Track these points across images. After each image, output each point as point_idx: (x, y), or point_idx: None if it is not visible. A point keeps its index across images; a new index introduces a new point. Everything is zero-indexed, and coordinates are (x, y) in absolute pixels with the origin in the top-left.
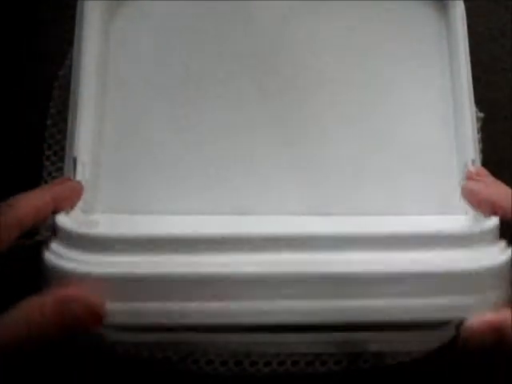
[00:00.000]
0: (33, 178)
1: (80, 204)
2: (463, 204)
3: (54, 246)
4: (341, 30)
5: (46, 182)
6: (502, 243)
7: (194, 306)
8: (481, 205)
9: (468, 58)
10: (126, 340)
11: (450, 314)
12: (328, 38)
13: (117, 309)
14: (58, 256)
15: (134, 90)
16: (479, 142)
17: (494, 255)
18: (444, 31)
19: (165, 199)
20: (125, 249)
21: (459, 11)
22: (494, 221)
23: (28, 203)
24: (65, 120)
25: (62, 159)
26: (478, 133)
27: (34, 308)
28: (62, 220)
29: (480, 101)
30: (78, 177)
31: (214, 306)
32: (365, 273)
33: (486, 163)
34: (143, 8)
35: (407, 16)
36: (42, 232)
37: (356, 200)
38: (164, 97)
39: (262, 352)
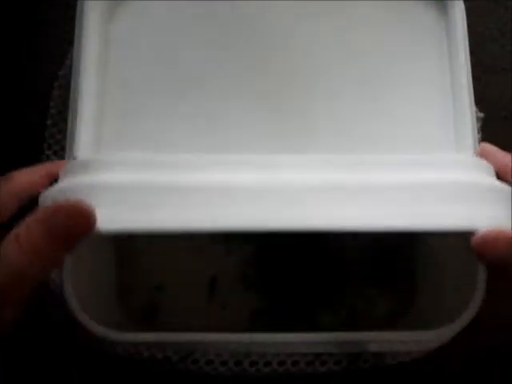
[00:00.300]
0: None
1: None
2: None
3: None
4: (341, 30)
5: None
6: None
7: (179, 212)
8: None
9: (468, 58)
10: (126, 340)
11: (461, 223)
12: (328, 37)
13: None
14: (49, 191)
15: (134, 89)
16: (479, 142)
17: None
18: (444, 31)
19: None
20: (115, 168)
21: (459, 11)
22: None
23: (23, 177)
24: (65, 120)
25: (61, 159)
26: (478, 133)
27: (12, 245)
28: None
29: (480, 101)
30: None
31: (198, 213)
32: (379, 181)
33: None
34: (143, 8)
35: (407, 16)
36: None
37: None
38: (164, 96)
39: (262, 352)
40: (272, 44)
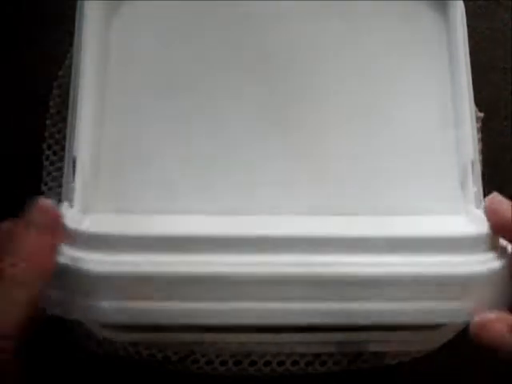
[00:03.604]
0: (33, 178)
1: (79, 204)
2: (463, 205)
3: None
4: (340, 31)
5: (45, 183)
6: (498, 250)
7: (193, 306)
8: (503, 230)
9: (468, 58)
10: (126, 340)
11: (447, 318)
12: (327, 38)
13: (114, 307)
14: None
15: (134, 90)
16: (479, 142)
17: (490, 261)
18: (444, 31)
19: (165, 199)
20: (126, 247)
21: (459, 11)
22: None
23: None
24: (65, 120)
25: (61, 159)
26: (478, 133)
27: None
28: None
29: (480, 101)
30: (78, 177)
31: (214, 306)
32: (363, 275)
33: (485, 163)
34: (143, 8)
35: (407, 16)
36: None
37: (354, 200)
38: (164, 97)
39: (262, 352)
40: (273, 44)
